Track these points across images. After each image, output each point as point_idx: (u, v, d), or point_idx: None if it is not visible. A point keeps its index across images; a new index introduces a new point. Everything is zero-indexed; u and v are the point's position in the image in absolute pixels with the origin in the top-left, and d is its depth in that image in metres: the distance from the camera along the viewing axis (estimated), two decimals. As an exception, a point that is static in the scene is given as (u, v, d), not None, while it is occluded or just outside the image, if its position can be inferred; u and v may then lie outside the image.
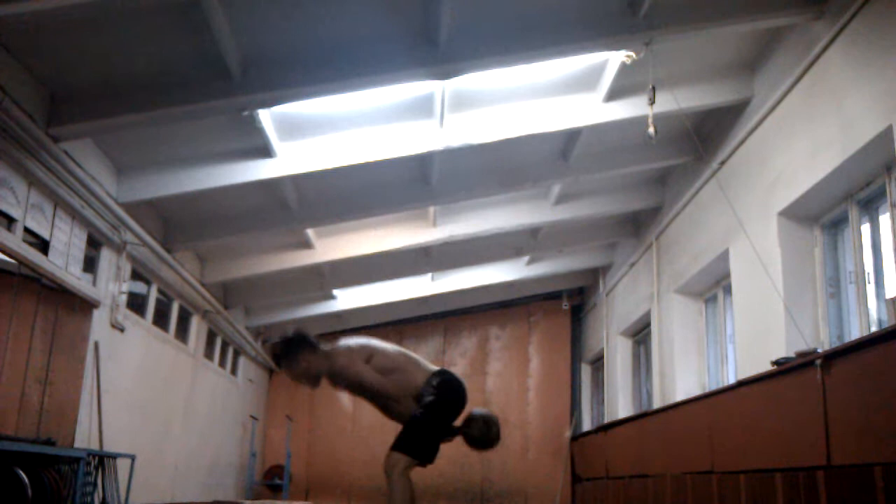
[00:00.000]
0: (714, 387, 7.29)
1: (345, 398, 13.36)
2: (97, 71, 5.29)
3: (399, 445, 3.82)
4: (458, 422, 4.14)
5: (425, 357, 13.30)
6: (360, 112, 6.35)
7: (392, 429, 4.02)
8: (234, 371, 11.64)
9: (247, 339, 11.31)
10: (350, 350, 4.04)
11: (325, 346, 4.08)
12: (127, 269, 7.19)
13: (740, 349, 6.27)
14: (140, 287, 7.97)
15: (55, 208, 5.79)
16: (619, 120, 6.42)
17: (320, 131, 6.56)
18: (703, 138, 7.04)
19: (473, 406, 4.28)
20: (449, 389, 3.94)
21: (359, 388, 4.03)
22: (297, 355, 4.01)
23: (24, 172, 5.27)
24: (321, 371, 4.03)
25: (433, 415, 3.85)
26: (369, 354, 4.03)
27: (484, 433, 4.12)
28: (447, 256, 10.04)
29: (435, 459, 3.95)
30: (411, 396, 3.96)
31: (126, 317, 7.25)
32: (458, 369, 13.09)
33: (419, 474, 3.95)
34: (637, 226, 9.67)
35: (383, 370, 3.99)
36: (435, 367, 4.09)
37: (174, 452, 8.90)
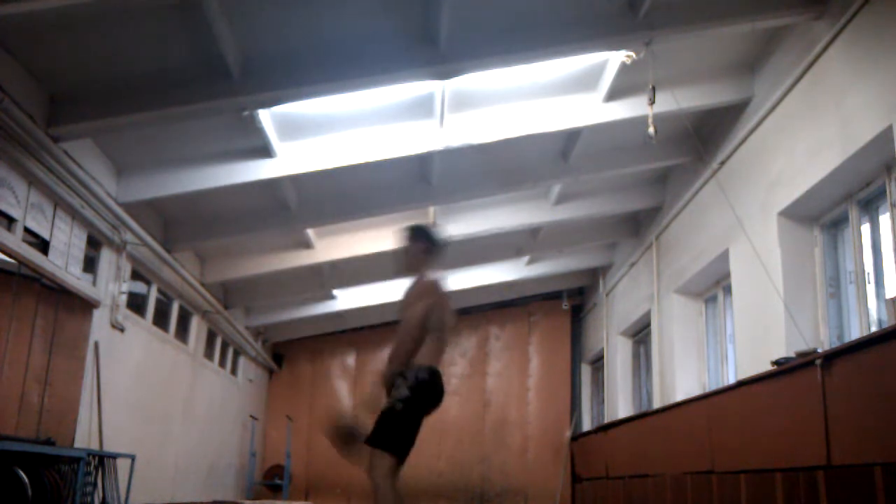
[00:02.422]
0: (714, 387, 7.29)
1: (344, 395, 13.36)
2: (97, 71, 5.29)
3: (376, 441, 3.71)
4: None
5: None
6: (360, 112, 6.35)
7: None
8: (234, 371, 11.64)
9: (247, 339, 11.31)
10: (442, 292, 4.04)
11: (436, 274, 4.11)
12: (127, 269, 7.19)
13: (740, 349, 6.27)
14: (140, 287, 7.97)
15: (55, 208, 5.79)
16: (619, 120, 6.42)
17: (320, 131, 6.57)
18: (703, 138, 7.04)
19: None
20: (427, 388, 3.82)
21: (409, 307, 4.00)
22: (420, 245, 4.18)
23: (24, 172, 5.27)
24: (412, 268, 4.14)
25: (408, 409, 3.75)
26: (445, 306, 4.02)
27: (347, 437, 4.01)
28: (447, 256, 10.01)
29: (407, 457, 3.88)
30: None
31: (126, 317, 7.25)
32: (458, 369, 13.10)
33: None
34: (637, 226, 9.67)
35: (432, 321, 3.92)
36: (435, 366, 3.99)
37: (174, 452, 8.90)
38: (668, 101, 5.81)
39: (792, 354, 4.68)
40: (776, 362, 4.61)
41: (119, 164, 6.62)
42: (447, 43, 5.20)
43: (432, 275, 4.11)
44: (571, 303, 13.04)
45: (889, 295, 4.72)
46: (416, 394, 3.75)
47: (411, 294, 4.03)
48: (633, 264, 9.65)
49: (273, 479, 12.72)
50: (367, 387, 12.78)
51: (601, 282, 11.49)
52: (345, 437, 3.92)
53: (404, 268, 4.22)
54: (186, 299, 9.00)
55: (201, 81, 5.34)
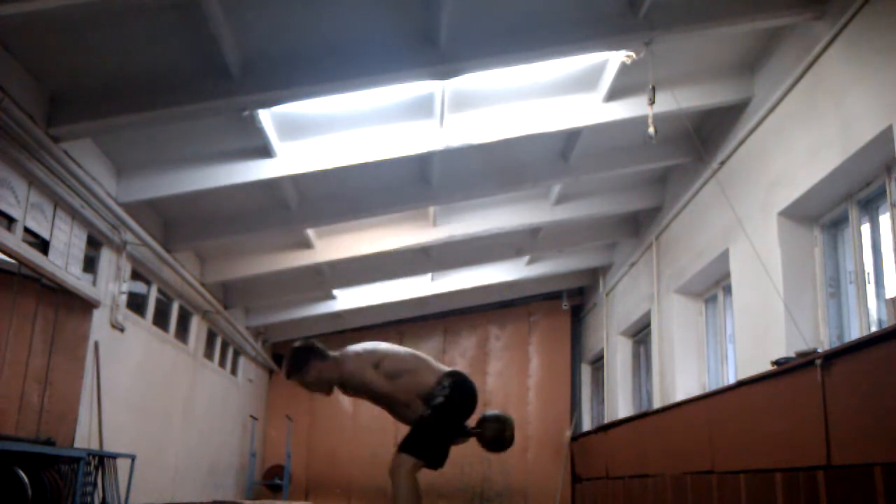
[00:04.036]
0: (714, 387, 7.29)
1: (345, 396, 13.37)
2: (97, 71, 5.29)
3: (406, 447, 3.78)
4: (471, 423, 4.11)
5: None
6: (360, 112, 6.35)
7: (393, 428, 3.98)
8: (234, 371, 11.64)
9: (247, 339, 11.31)
10: (358, 356, 4.02)
11: (333, 353, 4.07)
12: (127, 269, 7.19)
13: (740, 349, 6.27)
14: (140, 287, 7.97)
15: (55, 208, 5.79)
16: (619, 120, 6.41)
17: (320, 131, 6.57)
18: (703, 138, 7.04)
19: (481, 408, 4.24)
20: (459, 391, 3.90)
21: (369, 394, 4.02)
22: (306, 365, 4.00)
23: (24, 172, 5.27)
24: (332, 378, 4.02)
25: (442, 416, 3.79)
26: (378, 359, 3.99)
27: (498, 434, 4.09)
28: (447, 256, 10.04)
29: (444, 463, 3.92)
30: (421, 398, 3.91)
31: (126, 317, 7.25)
32: (458, 369, 13.08)
33: (419, 474, 3.94)
34: (637, 226, 9.67)
35: (392, 374, 3.95)
36: (447, 368, 4.03)
37: (174, 452, 8.90)
38: (668, 101, 5.80)
39: (792, 354, 4.67)
40: (776, 362, 4.61)
41: (119, 164, 6.62)
42: (447, 43, 5.20)
43: (338, 358, 4.06)
44: (571, 303, 13.04)
45: (889, 295, 4.72)
46: (451, 399, 3.78)
47: (354, 376, 4.00)
48: (633, 264, 9.65)
49: (273, 479, 12.72)
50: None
51: (601, 282, 11.49)
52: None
53: (325, 391, 4.13)
54: (186, 299, 9.00)
55: (201, 81, 5.34)
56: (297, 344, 4.13)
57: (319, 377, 4.01)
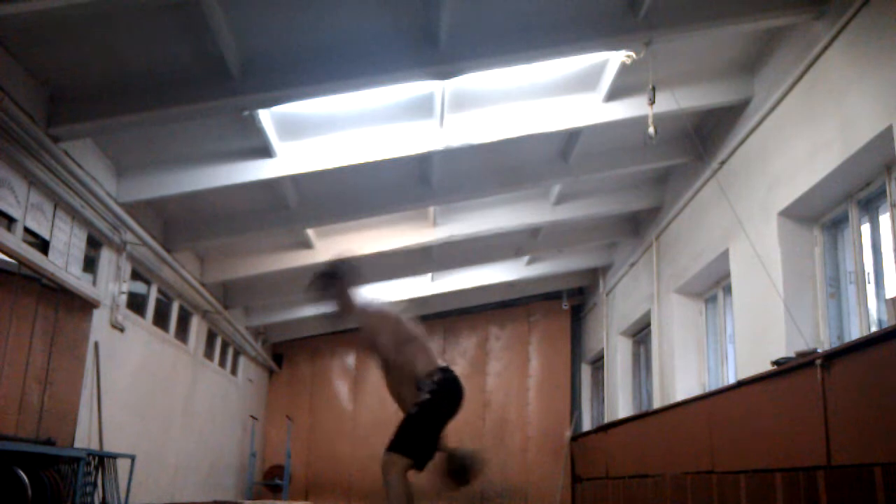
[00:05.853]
0: (714, 387, 7.29)
1: (344, 395, 13.36)
2: (97, 71, 5.29)
3: (394, 446, 3.78)
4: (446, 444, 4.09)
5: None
6: (360, 112, 6.35)
7: (392, 428, 3.95)
8: (234, 371, 11.64)
9: (247, 339, 11.31)
10: (382, 312, 4.02)
11: (366, 297, 4.05)
12: (127, 269, 7.19)
13: (740, 349, 6.27)
14: (140, 287, 7.97)
15: (55, 208, 5.79)
16: (619, 120, 6.41)
17: (320, 131, 6.57)
18: (703, 138, 7.04)
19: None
20: (446, 389, 3.88)
21: (371, 346, 4.02)
22: (337, 285, 4.02)
23: (24, 172, 5.27)
24: (347, 311, 4.03)
25: (427, 413, 3.78)
26: (396, 323, 4.00)
27: (460, 469, 4.07)
28: (447, 256, 10.04)
29: (428, 464, 3.90)
30: (412, 379, 3.88)
31: (126, 317, 7.25)
32: (458, 369, 13.04)
33: (420, 474, 3.94)
34: (637, 226, 9.67)
35: (399, 339, 3.94)
36: (441, 363, 4.03)
37: (174, 452, 8.89)
38: (668, 101, 5.81)
39: (792, 354, 4.68)
40: (776, 362, 4.61)
41: (119, 164, 6.62)
42: (447, 43, 5.20)
43: (366, 305, 4.07)
44: (571, 303, 13.04)
45: (889, 295, 4.72)
46: (436, 396, 3.76)
47: (368, 330, 4.02)
48: (633, 264, 9.65)
49: (273, 479, 12.71)
50: (366, 387, 12.82)
51: (601, 282, 11.49)
52: (457, 469, 3.98)
53: (342, 315, 4.12)
54: (186, 299, 9.00)
55: (201, 81, 5.34)
56: (340, 264, 4.14)
57: (342, 302, 4.01)
